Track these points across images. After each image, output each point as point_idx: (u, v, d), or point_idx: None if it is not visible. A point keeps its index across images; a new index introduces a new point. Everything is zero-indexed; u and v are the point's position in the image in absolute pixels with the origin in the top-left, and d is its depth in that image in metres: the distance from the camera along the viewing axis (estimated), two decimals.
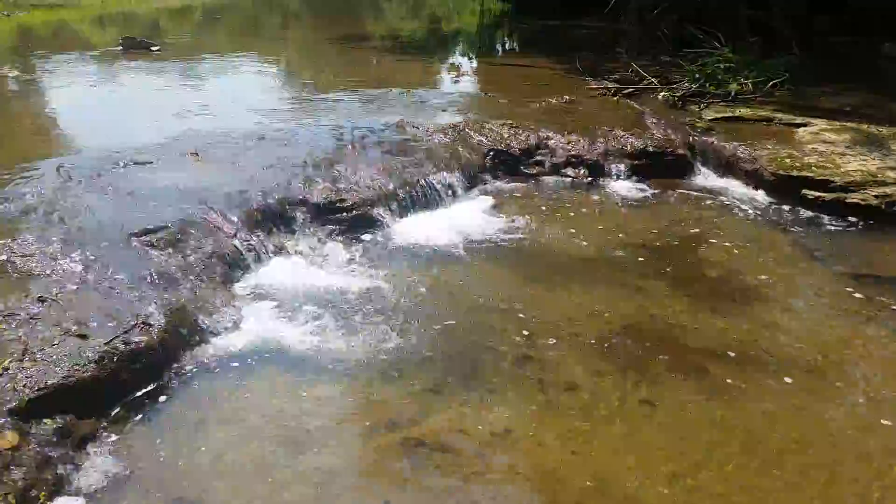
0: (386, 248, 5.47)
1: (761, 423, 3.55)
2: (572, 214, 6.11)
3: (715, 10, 10.13)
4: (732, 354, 4.10)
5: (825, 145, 6.65)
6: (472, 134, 7.15)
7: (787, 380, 3.87)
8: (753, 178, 6.58)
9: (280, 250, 5.19)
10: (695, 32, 9.81)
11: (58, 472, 3.07)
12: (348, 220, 5.64)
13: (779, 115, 7.55)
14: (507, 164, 6.97)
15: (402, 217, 5.91)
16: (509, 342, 4.21)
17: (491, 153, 6.95)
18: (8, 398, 3.20)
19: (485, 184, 6.71)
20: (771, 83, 8.36)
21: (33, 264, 4.26)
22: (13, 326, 3.64)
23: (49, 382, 3.34)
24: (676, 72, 9.25)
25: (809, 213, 6.01)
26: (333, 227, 5.56)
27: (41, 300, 3.87)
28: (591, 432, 3.47)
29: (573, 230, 5.78)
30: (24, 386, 3.28)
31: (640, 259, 5.30)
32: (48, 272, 4.19)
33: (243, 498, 3.06)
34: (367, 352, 4.09)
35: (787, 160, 6.41)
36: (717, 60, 8.94)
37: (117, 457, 3.24)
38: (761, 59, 8.97)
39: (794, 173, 6.22)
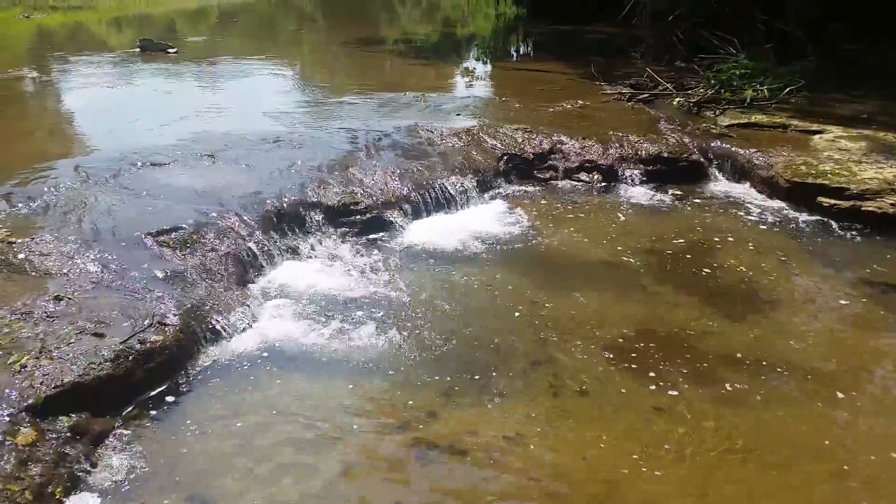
0: (399, 250, 5.48)
1: (774, 430, 3.53)
2: (585, 219, 6.11)
3: (730, 16, 10.09)
4: (746, 361, 4.09)
5: (841, 153, 6.61)
6: (485, 138, 7.16)
7: (801, 387, 3.85)
8: (768, 185, 6.56)
9: (294, 252, 5.22)
10: (710, 38, 9.79)
11: (73, 468, 3.10)
12: (362, 222, 5.66)
13: (794, 122, 7.52)
14: (521, 168, 6.98)
15: (415, 220, 5.93)
16: (521, 346, 4.22)
17: (504, 157, 6.96)
18: (25, 395, 3.24)
19: (498, 188, 6.72)
20: (787, 90, 8.32)
21: (50, 263, 4.32)
22: (30, 324, 3.69)
23: (65, 380, 3.37)
24: (691, 78, 9.24)
25: (825, 221, 5.97)
26: (347, 230, 5.59)
27: (58, 299, 3.92)
28: (602, 437, 3.47)
29: (586, 235, 5.77)
30: (41, 383, 3.32)
31: (654, 264, 5.28)
32: (65, 271, 4.24)
33: (255, 496, 3.08)
34: (380, 354, 4.10)
35: (803, 167, 6.38)
36: (733, 66, 8.92)
37: (132, 454, 3.28)
38: (777, 65, 8.94)
39: (810, 180, 6.19)
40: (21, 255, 4.36)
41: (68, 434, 3.23)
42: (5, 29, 17.76)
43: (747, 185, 6.78)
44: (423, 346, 4.19)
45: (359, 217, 5.68)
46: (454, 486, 3.17)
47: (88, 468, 3.16)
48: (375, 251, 5.43)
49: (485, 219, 6.02)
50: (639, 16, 11.66)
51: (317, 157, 6.34)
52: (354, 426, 3.54)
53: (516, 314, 4.58)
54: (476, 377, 3.92)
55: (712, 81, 8.74)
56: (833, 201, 6.00)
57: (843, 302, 4.79)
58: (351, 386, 3.83)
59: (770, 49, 9.25)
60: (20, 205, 5.11)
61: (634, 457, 3.34)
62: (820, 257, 5.42)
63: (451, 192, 6.26)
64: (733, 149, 7.04)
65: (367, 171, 6.16)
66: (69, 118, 8.87)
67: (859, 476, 3.25)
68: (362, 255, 5.34)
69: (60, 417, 3.27)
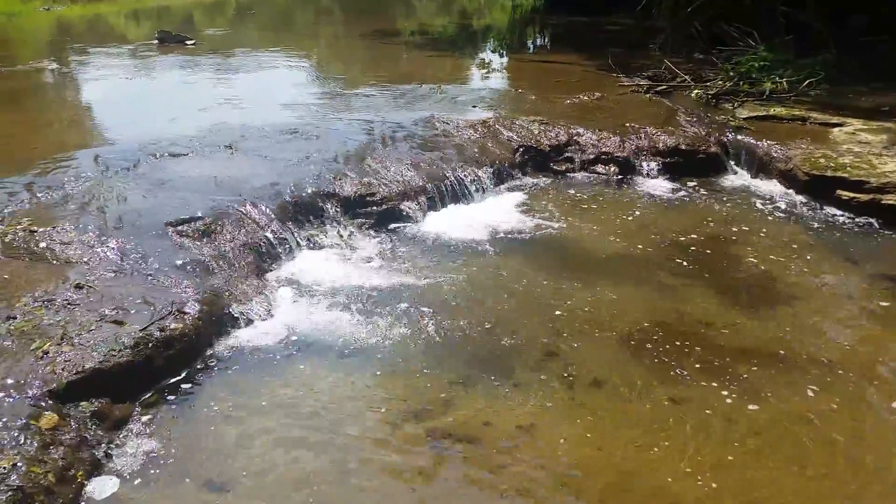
0: (414, 241, 5.50)
1: (789, 424, 3.51)
2: (602, 212, 6.09)
3: (749, 8, 10.00)
4: (762, 355, 4.07)
5: (861, 146, 6.55)
6: (501, 130, 7.16)
7: (818, 381, 3.83)
8: (787, 178, 6.51)
9: (311, 242, 5.25)
10: (728, 30, 9.70)
11: (94, 452, 3.16)
12: (378, 213, 5.69)
13: (814, 115, 7.45)
14: (537, 160, 6.97)
15: (430, 211, 5.95)
16: (536, 337, 4.22)
17: (520, 149, 6.95)
18: (48, 380, 3.30)
19: (514, 180, 6.72)
20: (806, 82, 8.24)
21: (71, 252, 4.38)
22: (52, 311, 3.75)
23: (86, 366, 3.42)
24: (710, 70, 9.17)
25: (844, 214, 5.92)
26: (363, 221, 5.61)
27: (79, 287, 3.97)
28: (616, 429, 3.47)
29: (602, 227, 5.76)
30: (63, 369, 3.37)
31: (670, 257, 5.27)
32: (86, 259, 4.30)
33: (272, 482, 3.11)
34: (395, 343, 4.13)
35: (822, 160, 6.33)
36: (752, 59, 8.84)
37: (151, 440, 3.32)
38: (796, 57, 8.85)
39: (829, 174, 6.14)
40: (42, 244, 4.42)
41: (89, 419, 3.28)
42: (26, 21, 17.94)
43: (765, 178, 6.73)
44: (438, 336, 4.21)
45: (375, 208, 5.70)
46: (469, 474, 3.18)
47: (109, 453, 3.21)
48: (391, 242, 5.46)
49: (500, 211, 6.02)
50: (657, 7, 11.58)
51: (333, 149, 6.37)
52: (370, 414, 3.57)
53: (531, 306, 4.58)
54: (491, 367, 3.93)
55: (731, 73, 8.68)
56: (852, 195, 5.94)
57: (862, 296, 4.75)
58: (366, 374, 3.86)
59: (790, 41, 9.16)
60: (41, 194, 5.18)
61: (648, 448, 3.34)
62: (839, 251, 5.38)
63: (467, 183, 6.27)
64: (752, 141, 6.99)
65: (383, 163, 6.17)
66: (88, 109, 8.97)
67: (877, 473, 3.23)
68: (378, 246, 5.37)
69: (82, 403, 3.32)
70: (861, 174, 6.00)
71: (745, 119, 7.51)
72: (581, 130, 7.19)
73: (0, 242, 4.41)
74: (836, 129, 7.06)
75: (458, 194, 6.19)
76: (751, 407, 3.63)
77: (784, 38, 9.26)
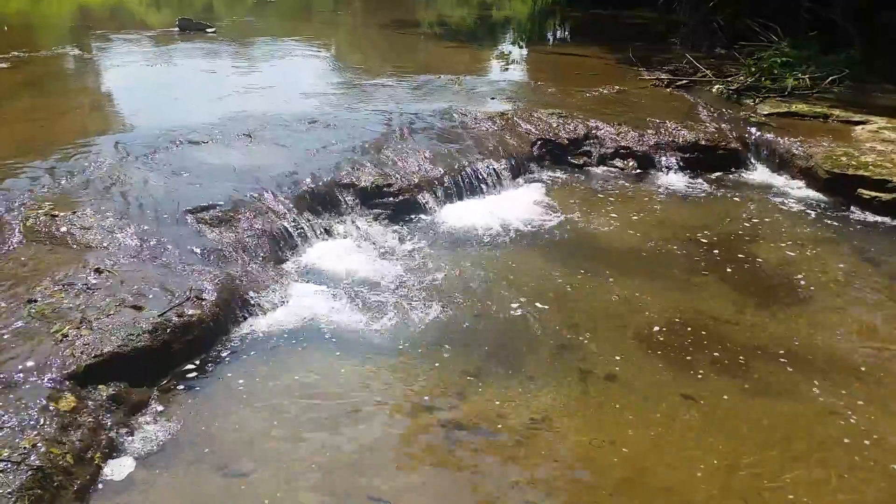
0: (430, 233, 5.51)
1: (804, 422, 3.50)
2: (619, 206, 6.06)
3: (773, 4, 9.88)
4: (778, 353, 4.04)
5: (884, 144, 6.46)
6: (519, 122, 7.13)
7: (834, 381, 3.80)
8: (807, 176, 6.45)
9: (327, 232, 5.27)
10: (751, 25, 9.60)
11: (111, 435, 3.20)
12: (394, 204, 5.69)
13: (836, 112, 7.37)
14: (555, 153, 6.94)
15: (447, 203, 5.95)
16: (551, 331, 4.22)
17: (538, 142, 6.93)
18: (67, 363, 3.33)
19: (531, 173, 6.70)
20: (829, 79, 8.14)
21: (91, 236, 4.42)
22: (72, 295, 3.78)
23: (105, 350, 3.46)
24: (732, 65, 9.09)
25: (864, 214, 5.86)
26: (380, 212, 5.62)
27: (98, 271, 4.01)
28: (629, 423, 3.47)
29: (619, 222, 5.74)
30: (82, 352, 3.41)
31: (688, 253, 5.24)
32: (105, 244, 4.34)
33: (285, 468, 3.14)
34: (409, 334, 4.14)
35: (843, 158, 6.26)
36: (774, 55, 8.74)
37: (167, 424, 3.36)
38: (821, 54, 8.74)
39: (850, 172, 6.08)
40: (63, 228, 4.47)
41: (107, 402, 3.32)
42: (49, 8, 18.08)
43: (786, 175, 6.68)
44: (453, 327, 4.22)
45: (391, 199, 5.71)
46: (480, 466, 3.19)
47: (125, 436, 3.25)
48: (407, 233, 5.46)
49: (517, 204, 6.01)
50: (679, 1, 11.48)
51: (351, 139, 6.37)
52: (383, 404, 3.58)
53: (546, 299, 4.57)
54: (505, 360, 3.94)
55: (753, 69, 8.59)
56: (874, 193, 5.88)
57: (880, 296, 4.70)
58: (381, 364, 3.88)
59: (814, 37, 9.05)
60: (63, 179, 5.23)
61: (661, 443, 3.34)
62: (858, 250, 5.32)
63: (484, 176, 6.26)
64: (772, 138, 6.93)
65: (401, 154, 6.18)
66: (109, 96, 9.01)
67: (886, 472, 3.21)
68: (394, 237, 5.37)
69: (100, 386, 3.36)
70: (883, 173, 5.93)
71: (766, 115, 7.44)
72: (600, 124, 7.15)
73: (22, 226, 4.46)
74: (858, 127, 6.97)
75: (475, 187, 6.18)
76: (765, 405, 3.61)
77: (808, 33, 9.15)
